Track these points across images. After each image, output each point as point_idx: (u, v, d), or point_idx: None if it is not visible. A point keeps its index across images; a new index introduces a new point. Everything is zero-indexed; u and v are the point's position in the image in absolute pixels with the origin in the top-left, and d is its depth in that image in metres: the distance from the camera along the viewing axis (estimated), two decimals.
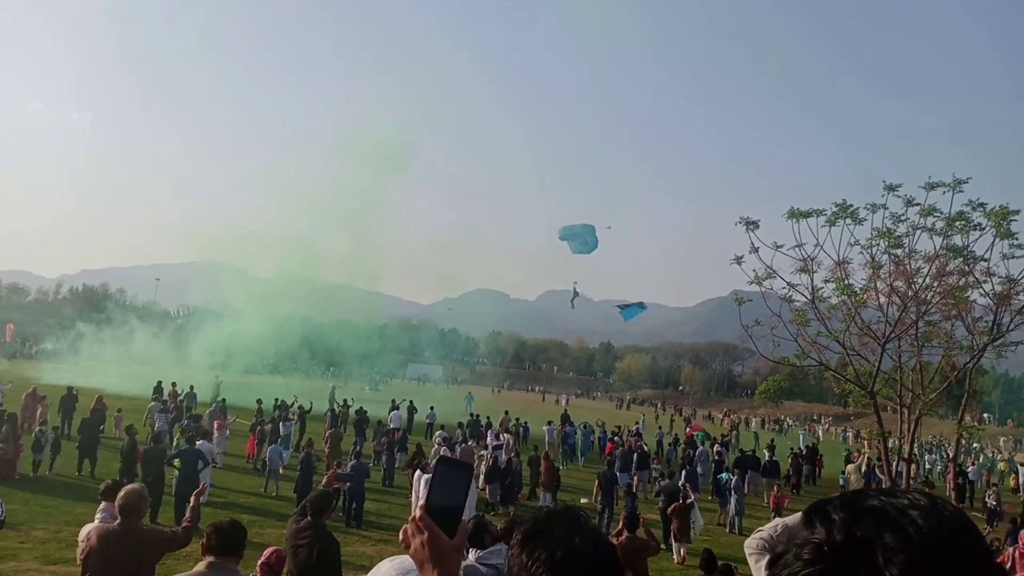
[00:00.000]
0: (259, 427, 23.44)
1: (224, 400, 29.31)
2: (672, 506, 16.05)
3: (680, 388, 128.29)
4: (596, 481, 19.01)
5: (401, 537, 1.62)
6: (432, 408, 34.41)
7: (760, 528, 3.28)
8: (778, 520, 3.29)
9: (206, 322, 54.79)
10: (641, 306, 32.18)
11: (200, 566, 4.97)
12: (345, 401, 33.50)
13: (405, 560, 1.87)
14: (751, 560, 3.16)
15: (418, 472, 15.87)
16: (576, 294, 44.70)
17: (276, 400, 29.05)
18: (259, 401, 27.87)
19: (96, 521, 7.01)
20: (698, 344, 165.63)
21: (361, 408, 29.33)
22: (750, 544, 3.20)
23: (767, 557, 3.17)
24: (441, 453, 19.73)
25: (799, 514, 3.51)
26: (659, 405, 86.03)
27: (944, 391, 17.73)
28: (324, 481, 14.12)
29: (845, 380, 16.81)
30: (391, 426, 28.77)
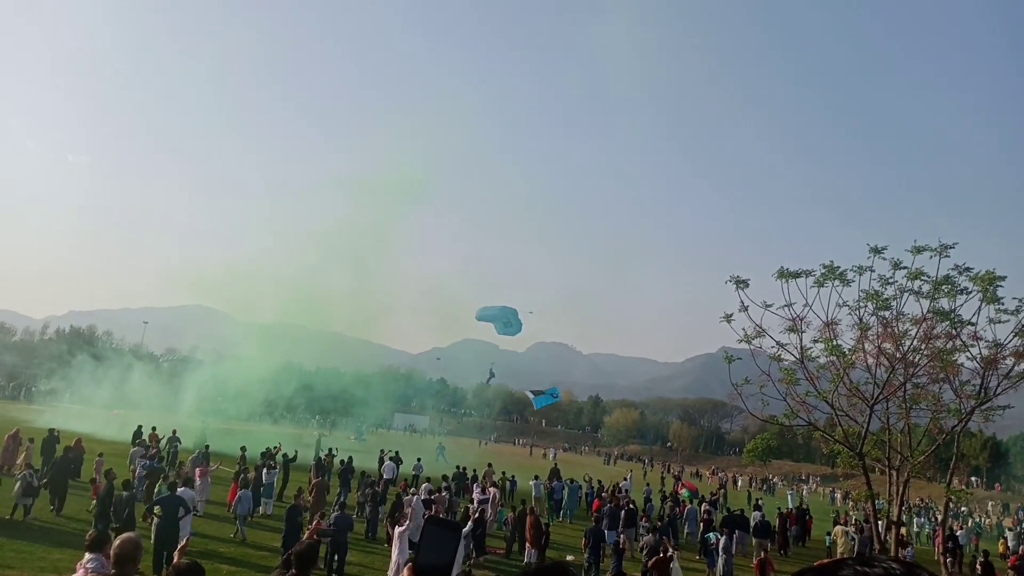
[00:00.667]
0: (242, 475, 23.10)
1: (208, 446, 29.00)
2: (652, 559, 15.90)
3: (668, 444, 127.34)
4: (583, 538, 18.79)
5: None
6: (419, 460, 34.06)
7: None
8: None
9: (193, 367, 54.35)
10: (554, 395, 32.75)
11: None
12: (330, 450, 33.11)
13: None
14: None
15: (397, 528, 15.66)
16: (492, 375, 45.05)
17: (265, 449, 28.71)
18: (243, 448, 27.57)
19: (80, 571, 6.88)
20: (687, 400, 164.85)
21: (347, 458, 29.03)
22: None
23: None
24: (416, 504, 19.49)
25: None
26: (647, 461, 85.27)
27: (932, 454, 17.67)
28: (306, 534, 13.91)
29: (834, 441, 16.77)
30: (385, 477, 28.57)
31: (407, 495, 21.30)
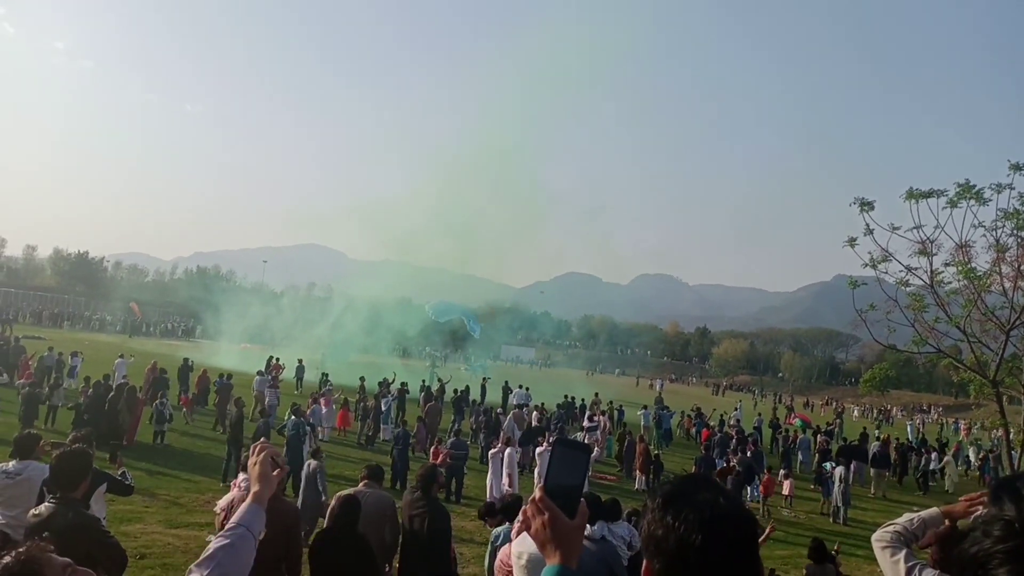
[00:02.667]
0: (363, 403, 24.39)
1: (327, 375, 30.94)
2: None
3: (779, 375, 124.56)
4: (693, 466, 18.79)
5: (520, 518, 1.63)
6: (525, 388, 34.62)
7: (890, 522, 3.13)
8: (910, 514, 3.15)
9: (312, 303, 56.64)
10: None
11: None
12: (441, 381, 34.09)
13: (527, 539, 1.89)
14: (884, 554, 3.02)
15: (508, 450, 16.17)
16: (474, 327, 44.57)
17: (383, 379, 29.90)
18: (362, 379, 28.85)
19: (234, 491, 7.38)
20: (799, 330, 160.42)
21: (464, 388, 30.04)
22: (882, 537, 3.06)
23: (903, 550, 3.03)
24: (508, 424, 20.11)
25: (934, 509, 3.34)
26: (757, 391, 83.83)
27: None
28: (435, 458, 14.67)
29: (966, 368, 15.88)
30: (515, 402, 29.88)
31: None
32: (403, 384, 28.97)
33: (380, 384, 28.52)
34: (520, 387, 33.94)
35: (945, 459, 26.98)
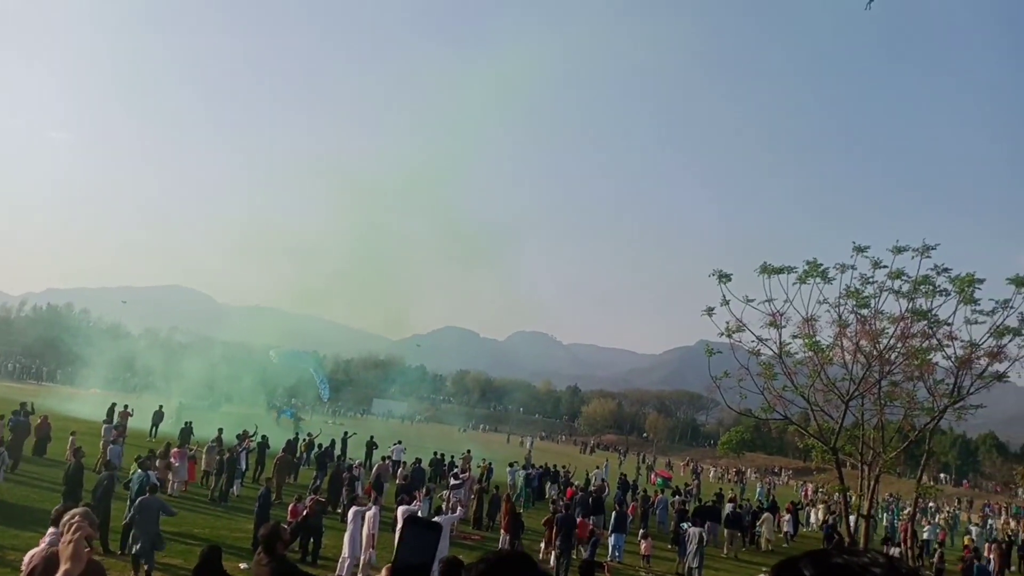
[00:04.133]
0: (219, 457, 23.04)
1: (191, 423, 29.50)
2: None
3: (644, 435, 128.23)
4: (555, 526, 18.89)
5: None
6: (399, 442, 33.93)
7: None
8: None
9: (172, 348, 53.86)
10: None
11: None
12: (309, 434, 32.91)
13: None
14: None
15: (353, 508, 15.59)
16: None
17: (242, 432, 28.61)
18: (220, 430, 27.42)
19: (42, 545, 6.81)
20: (664, 392, 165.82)
21: (326, 442, 29.06)
22: None
23: None
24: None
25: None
26: (622, 451, 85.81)
27: (904, 450, 17.95)
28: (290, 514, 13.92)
29: (809, 435, 16.96)
30: (393, 458, 29.00)
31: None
32: (264, 437, 27.76)
33: (239, 437, 27.22)
34: (398, 443, 33.28)
35: (763, 516, 27.87)
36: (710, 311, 16.19)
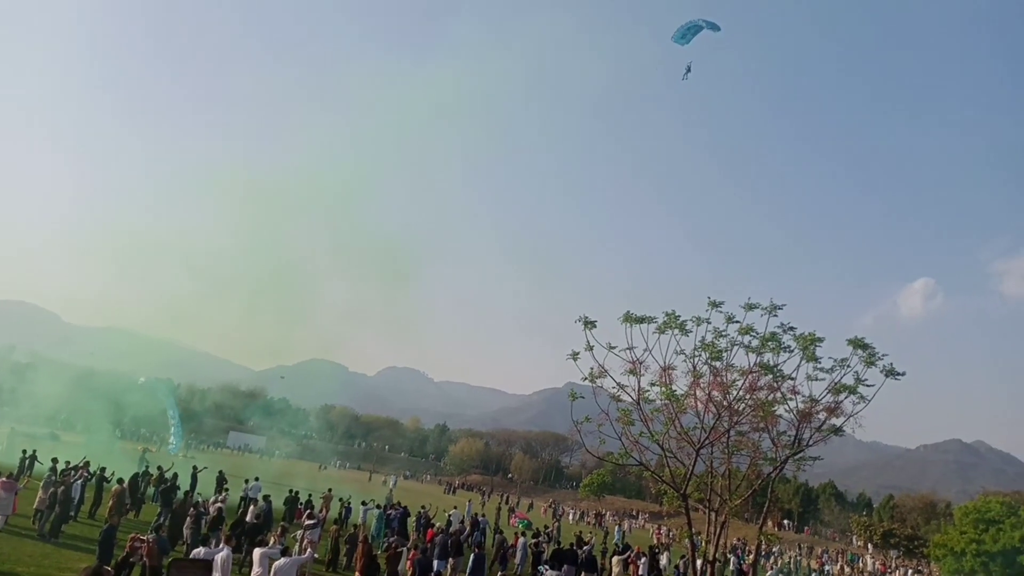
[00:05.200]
0: (52, 489, 21.20)
1: (34, 453, 27.35)
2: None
3: (509, 475, 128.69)
4: (412, 568, 18.54)
5: None
6: (258, 479, 32.37)
7: None
8: None
9: (8, 369, 49.56)
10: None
11: None
12: (160, 468, 30.93)
13: None
14: None
15: (257, 550, 14.84)
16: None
17: (84, 462, 26.54)
18: (54, 460, 25.33)
19: None
20: (530, 433, 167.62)
21: (171, 475, 27.32)
22: None
23: None
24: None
25: None
26: (486, 492, 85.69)
27: (749, 497, 18.89)
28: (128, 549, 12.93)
29: (661, 481, 17.55)
30: (250, 495, 27.57)
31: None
32: (102, 469, 25.84)
33: (73, 468, 25.24)
34: (255, 479, 31.69)
35: (615, 559, 28.38)
36: (575, 355, 16.59)
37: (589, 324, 16.48)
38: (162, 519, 22.36)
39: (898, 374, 15.63)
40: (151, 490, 27.88)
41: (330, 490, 32.89)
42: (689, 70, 24.10)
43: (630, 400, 16.67)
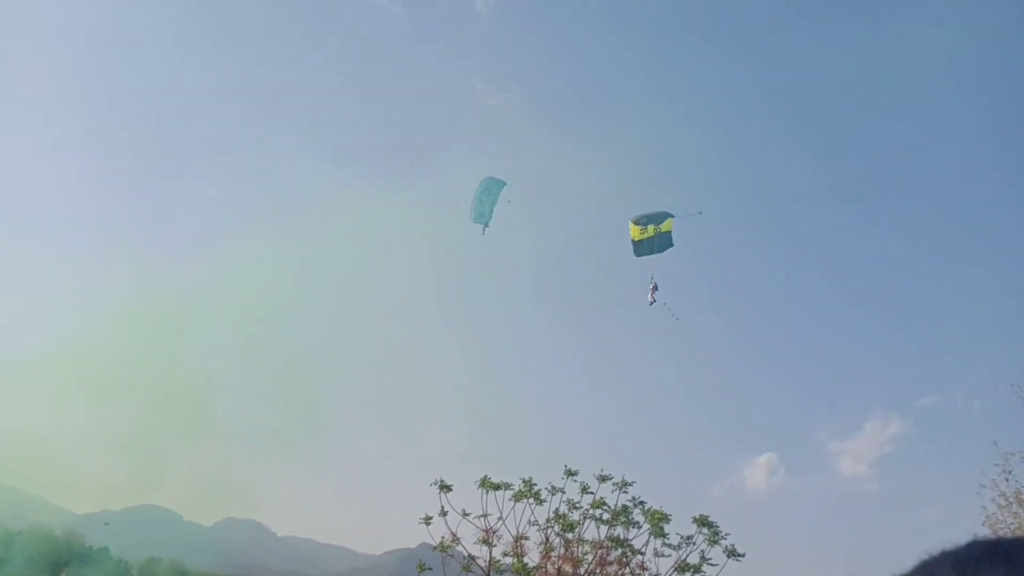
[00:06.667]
0: None
1: None
2: None
3: None
4: None
5: None
6: None
7: None
8: None
9: None
10: None
11: None
12: None
13: None
14: None
15: None
16: None
17: None
18: None
19: None
20: None
21: None
22: None
23: None
24: None
25: None
26: None
27: None
28: None
29: None
30: None
31: None
32: None
33: None
34: None
35: None
36: (428, 520, 16.24)
37: (445, 488, 16.26)
38: None
39: (739, 555, 16.12)
40: None
41: None
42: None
43: (481, 571, 16.27)
